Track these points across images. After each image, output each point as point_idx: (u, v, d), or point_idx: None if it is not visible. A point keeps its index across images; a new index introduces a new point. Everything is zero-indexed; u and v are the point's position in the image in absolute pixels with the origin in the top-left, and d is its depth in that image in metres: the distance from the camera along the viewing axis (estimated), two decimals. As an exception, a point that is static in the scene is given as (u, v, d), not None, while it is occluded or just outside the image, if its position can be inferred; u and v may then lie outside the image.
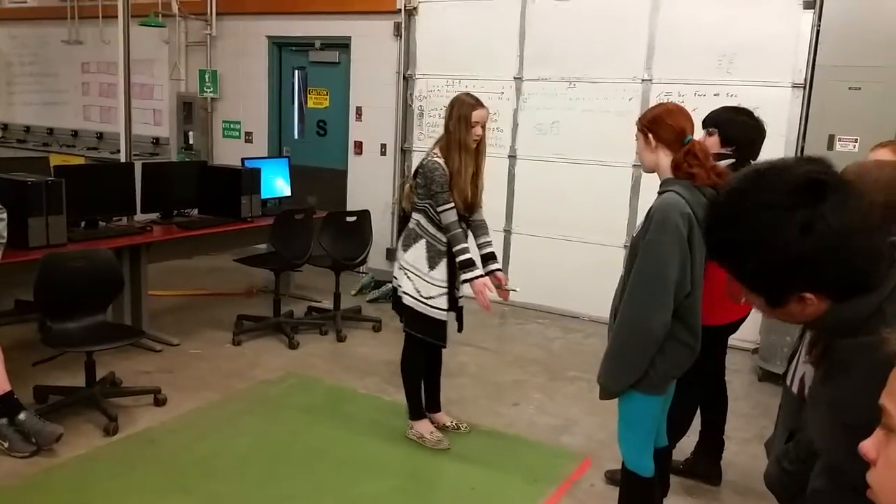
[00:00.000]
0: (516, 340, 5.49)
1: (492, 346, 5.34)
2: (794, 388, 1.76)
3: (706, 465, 3.42)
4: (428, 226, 3.47)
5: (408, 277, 3.49)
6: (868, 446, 0.90)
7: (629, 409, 2.47)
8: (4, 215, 3.59)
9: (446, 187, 3.38)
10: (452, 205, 3.39)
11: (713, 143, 3.07)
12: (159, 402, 3.95)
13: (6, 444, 3.35)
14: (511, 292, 3.56)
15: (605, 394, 2.46)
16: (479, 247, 3.61)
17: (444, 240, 3.45)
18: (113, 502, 3.04)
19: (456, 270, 3.49)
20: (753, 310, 3.21)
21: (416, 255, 3.48)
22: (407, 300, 3.49)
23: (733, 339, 5.25)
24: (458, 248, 3.39)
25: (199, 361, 4.66)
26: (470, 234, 3.61)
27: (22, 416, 3.38)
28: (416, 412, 3.71)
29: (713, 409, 3.42)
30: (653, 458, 2.57)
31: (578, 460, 3.60)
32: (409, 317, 3.52)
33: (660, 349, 2.35)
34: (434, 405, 3.85)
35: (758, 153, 3.19)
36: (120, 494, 3.10)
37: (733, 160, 3.05)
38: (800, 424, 1.71)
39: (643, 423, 2.50)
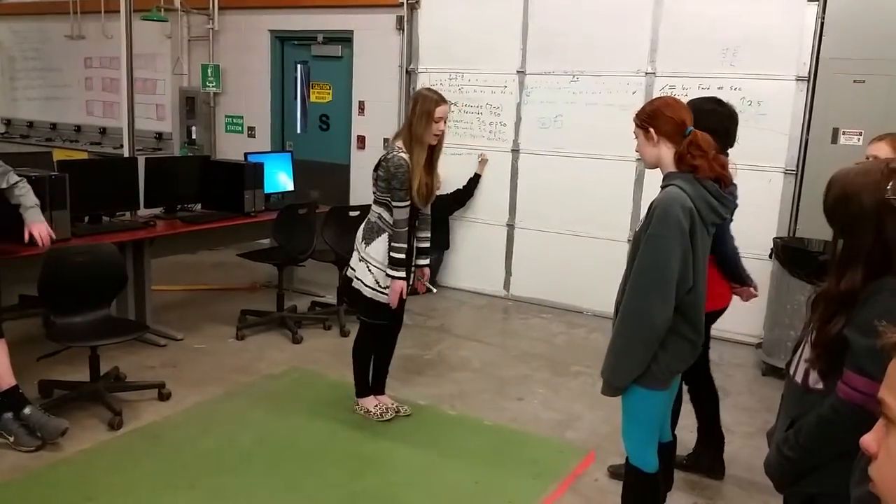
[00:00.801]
0: (520, 335, 5.49)
1: (495, 340, 5.35)
2: (798, 378, 1.76)
3: (709, 460, 3.41)
4: (390, 219, 3.56)
5: (369, 270, 3.60)
6: (869, 440, 0.90)
7: (633, 404, 2.47)
8: (25, 182, 3.64)
9: (406, 185, 3.47)
10: (408, 204, 3.50)
11: None
12: (163, 396, 3.96)
13: (11, 439, 3.36)
14: (428, 289, 3.77)
15: (609, 389, 2.45)
16: (418, 240, 3.73)
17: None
18: (117, 496, 3.05)
19: (410, 255, 3.65)
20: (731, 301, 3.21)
21: (379, 248, 3.58)
22: (367, 292, 3.61)
23: (737, 334, 5.30)
24: (398, 245, 3.54)
25: (203, 356, 4.67)
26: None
27: (27, 410, 3.40)
28: (362, 390, 3.89)
29: (705, 400, 3.37)
30: (657, 454, 2.57)
31: (582, 455, 3.60)
32: (367, 306, 3.66)
33: (662, 344, 2.34)
34: (380, 387, 3.96)
35: (734, 140, 3.08)
36: (124, 489, 3.11)
37: None
38: (802, 413, 1.71)
39: (647, 419, 2.50)
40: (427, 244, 3.80)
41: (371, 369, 3.91)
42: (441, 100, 3.51)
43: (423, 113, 3.47)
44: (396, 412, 3.88)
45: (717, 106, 3.07)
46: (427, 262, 3.83)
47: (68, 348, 3.90)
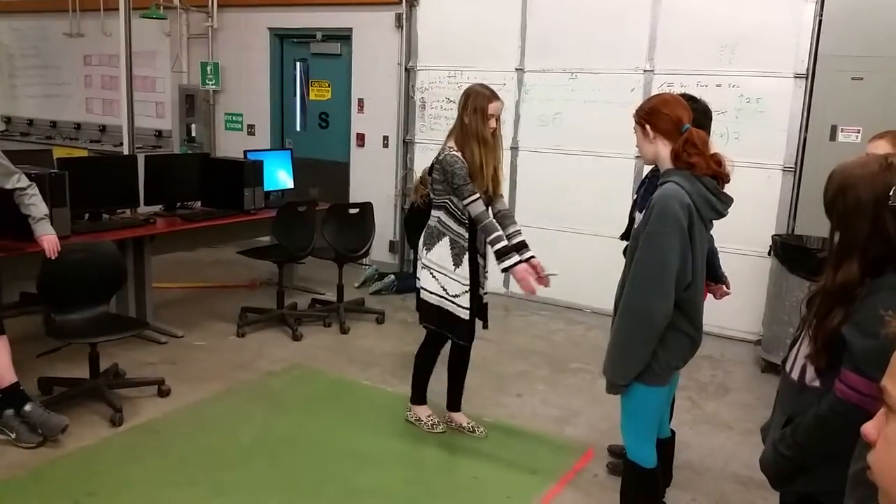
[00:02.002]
0: (520, 332, 5.50)
1: (495, 337, 5.33)
2: (794, 375, 1.77)
3: None
4: (450, 222, 3.39)
5: (433, 276, 3.42)
6: (869, 428, 0.91)
7: (632, 400, 2.48)
8: (35, 189, 3.58)
9: (468, 179, 3.28)
10: (478, 195, 3.29)
11: None
12: (163, 393, 3.97)
13: (13, 435, 3.37)
14: (551, 277, 3.32)
15: (612, 388, 2.46)
16: (509, 237, 3.41)
17: (467, 236, 3.38)
18: (118, 492, 3.06)
19: (478, 268, 3.45)
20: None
21: (441, 253, 3.40)
22: (433, 299, 3.42)
23: (736, 331, 5.31)
24: (493, 237, 3.28)
25: (203, 353, 4.68)
26: None
27: (28, 407, 3.41)
28: (418, 397, 3.73)
29: None
30: (656, 449, 2.58)
31: (581, 451, 3.61)
32: (434, 314, 3.45)
33: (661, 340, 2.35)
34: (455, 404, 3.79)
35: (708, 136, 3.11)
36: (125, 485, 3.12)
37: None
38: (798, 410, 1.72)
39: (646, 415, 2.52)
40: (522, 237, 3.45)
41: (427, 379, 3.70)
42: (494, 96, 3.35)
43: (475, 109, 3.30)
44: (472, 431, 3.69)
45: (690, 102, 3.09)
46: (532, 253, 3.41)
47: (68, 345, 3.91)
